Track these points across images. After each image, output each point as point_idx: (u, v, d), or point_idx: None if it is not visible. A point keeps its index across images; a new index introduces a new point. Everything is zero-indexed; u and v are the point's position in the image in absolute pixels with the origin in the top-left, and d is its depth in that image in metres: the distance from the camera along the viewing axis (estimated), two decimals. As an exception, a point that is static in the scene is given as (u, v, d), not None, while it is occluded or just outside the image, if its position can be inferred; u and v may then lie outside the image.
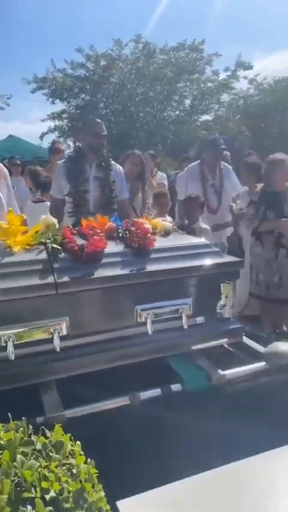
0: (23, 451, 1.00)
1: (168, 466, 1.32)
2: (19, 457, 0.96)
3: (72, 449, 1.08)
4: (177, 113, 16.05)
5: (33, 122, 42.67)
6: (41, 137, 15.68)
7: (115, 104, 14.16)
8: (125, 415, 1.50)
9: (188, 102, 16.29)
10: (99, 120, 3.24)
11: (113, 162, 3.27)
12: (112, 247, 1.73)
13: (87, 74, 14.83)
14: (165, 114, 15.64)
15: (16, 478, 0.91)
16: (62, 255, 1.62)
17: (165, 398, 1.55)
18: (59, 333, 1.53)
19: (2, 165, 2.88)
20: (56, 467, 0.97)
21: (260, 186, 3.50)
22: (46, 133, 15.65)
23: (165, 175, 5.89)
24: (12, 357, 1.45)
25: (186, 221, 3.43)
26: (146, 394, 1.53)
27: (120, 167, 3.35)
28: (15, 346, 1.46)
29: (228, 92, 16.53)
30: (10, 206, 2.66)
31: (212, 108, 16.71)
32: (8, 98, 15.81)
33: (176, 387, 1.58)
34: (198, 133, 16.20)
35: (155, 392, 1.55)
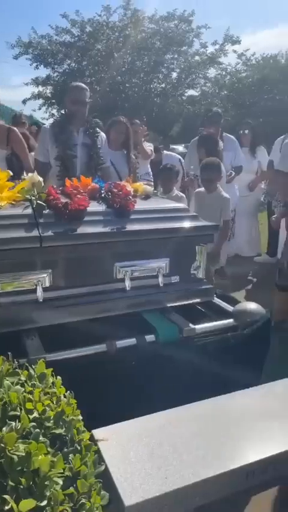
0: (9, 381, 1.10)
1: (139, 404, 1.45)
2: (6, 383, 1.06)
3: (53, 382, 1.19)
4: (163, 85, 15.83)
5: (16, 88, 41.19)
6: (24, 102, 15.34)
7: (101, 72, 13.85)
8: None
9: (174, 75, 16.09)
10: (81, 85, 3.22)
11: (98, 129, 3.31)
12: (95, 206, 1.81)
13: (73, 40, 14.42)
14: (151, 86, 15.41)
15: (3, 400, 1.02)
16: (47, 211, 1.70)
17: (139, 348, 1.68)
18: (42, 284, 1.62)
19: None
20: (39, 393, 1.08)
21: None
22: (29, 99, 15.30)
23: (151, 144, 5.91)
24: (-3, 304, 1.54)
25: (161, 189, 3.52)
26: (122, 343, 1.65)
27: (104, 135, 3.39)
28: (1, 295, 1.55)
29: (215, 67, 16.38)
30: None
31: (199, 83, 16.56)
32: (-9, 64, 15.23)
33: (150, 338, 1.71)
34: (183, 108, 16.09)
35: (131, 341, 1.68)
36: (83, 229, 1.68)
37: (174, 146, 6.30)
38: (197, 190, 3.50)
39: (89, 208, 1.76)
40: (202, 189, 3.38)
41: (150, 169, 5.50)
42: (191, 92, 16.86)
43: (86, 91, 3.17)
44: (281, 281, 3.00)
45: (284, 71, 16.27)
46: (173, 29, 15.04)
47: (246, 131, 5.24)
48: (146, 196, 2.05)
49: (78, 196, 1.77)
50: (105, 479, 1.02)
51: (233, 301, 2.08)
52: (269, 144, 4.59)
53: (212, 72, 16.65)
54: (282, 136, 4.83)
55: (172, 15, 15.05)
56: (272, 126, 10.75)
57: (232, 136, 4.40)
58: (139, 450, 1.14)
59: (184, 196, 3.51)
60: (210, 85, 16.83)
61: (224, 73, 17.00)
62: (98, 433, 1.21)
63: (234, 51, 16.28)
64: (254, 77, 16.58)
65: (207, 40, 15.92)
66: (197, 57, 15.90)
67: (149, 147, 5.48)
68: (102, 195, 1.89)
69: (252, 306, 1.95)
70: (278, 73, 16.25)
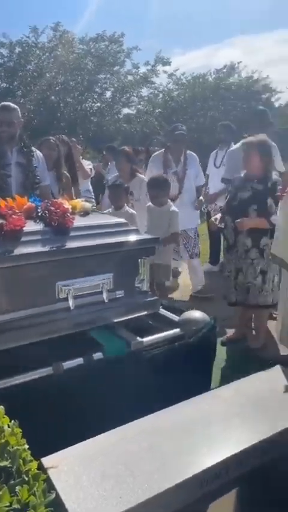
0: None
1: (91, 424, 1.41)
2: None
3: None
4: (98, 104, 16.04)
5: None
6: None
7: (34, 92, 13.75)
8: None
9: (109, 94, 16.39)
10: (8, 106, 3.14)
11: (33, 148, 3.27)
12: (32, 226, 1.77)
13: (2, 61, 14.27)
14: (86, 105, 15.55)
15: None
16: (-19, 233, 1.63)
17: (87, 367, 1.64)
18: (-20, 309, 1.55)
19: None
20: (-21, 426, 1.02)
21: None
22: None
23: (90, 162, 5.94)
24: None
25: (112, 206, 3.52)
26: (68, 364, 1.61)
27: (41, 153, 3.35)
28: None
29: (148, 86, 16.91)
30: None
31: (133, 101, 16.98)
32: None
33: (97, 355, 1.68)
34: (120, 127, 16.39)
35: (77, 361, 1.64)
36: (20, 250, 1.63)
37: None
38: (147, 204, 3.53)
39: (25, 228, 1.71)
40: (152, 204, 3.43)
41: (90, 187, 5.52)
42: (126, 111, 17.26)
43: (13, 111, 3.10)
44: (228, 297, 3.09)
45: (213, 89, 17.14)
46: (104, 50, 15.36)
47: (157, 148, 5.37)
48: (85, 213, 2.04)
49: (14, 216, 1.72)
50: (58, 508, 0.97)
51: (179, 311, 2.11)
52: (202, 160, 4.70)
53: (145, 91, 17.17)
54: (214, 151, 5.04)
55: (102, 37, 15.38)
56: (205, 142, 11.24)
57: (194, 155, 4.41)
58: (91, 473, 1.11)
59: (135, 213, 3.51)
60: (144, 103, 17.30)
61: (156, 92, 17.58)
62: (46, 460, 1.16)
63: (165, 72, 16.95)
64: (186, 95, 17.29)
65: (139, 60, 16.48)
66: (130, 77, 16.33)
67: (88, 165, 5.50)
68: (39, 214, 1.85)
69: (196, 314, 1.99)
70: (207, 91, 17.08)
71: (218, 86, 17.27)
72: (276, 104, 19.53)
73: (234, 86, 17.43)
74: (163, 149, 4.37)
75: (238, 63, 18.56)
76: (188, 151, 4.34)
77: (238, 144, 3.81)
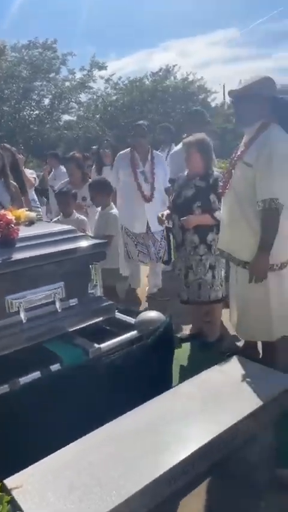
0: None
1: (52, 439, 1.37)
2: None
3: None
4: (37, 112, 15.78)
5: None
6: None
7: None
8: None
9: (47, 101, 16.18)
10: None
11: None
12: (-26, 240, 1.70)
13: None
14: (24, 113, 15.24)
15: None
16: None
17: (45, 380, 1.59)
18: None
19: None
20: None
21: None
22: None
23: (33, 171, 5.82)
24: None
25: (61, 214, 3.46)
26: (25, 379, 1.56)
27: None
28: None
29: (86, 92, 16.87)
30: None
31: (73, 107, 16.87)
32: None
33: (55, 367, 1.64)
34: (62, 134, 16.21)
35: (35, 375, 1.59)
36: None
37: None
38: (97, 209, 3.52)
39: None
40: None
41: (35, 196, 5.41)
42: (67, 117, 17.11)
43: None
44: (180, 295, 3.13)
45: (151, 92, 17.40)
46: (37, 57, 15.13)
47: (107, 150, 5.37)
48: (30, 223, 1.99)
49: None
50: (24, 529, 0.94)
51: (135, 313, 2.11)
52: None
53: (84, 97, 17.12)
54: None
55: (34, 44, 15.16)
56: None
57: (161, 154, 4.26)
58: (57, 487, 1.08)
59: (85, 219, 3.47)
60: (84, 109, 17.24)
61: (95, 97, 17.57)
62: (9, 481, 1.11)
63: (101, 77, 16.99)
64: (124, 99, 17.41)
65: (75, 66, 16.40)
66: (67, 83, 16.20)
67: (31, 174, 5.38)
68: (-19, 227, 1.78)
69: (152, 314, 2.00)
70: (145, 94, 17.32)
71: (156, 89, 17.57)
72: (213, 104, 20.25)
73: (171, 88, 17.82)
74: (129, 148, 4.18)
75: (173, 66, 19.02)
76: (155, 151, 4.20)
77: (179, 146, 3.87)
